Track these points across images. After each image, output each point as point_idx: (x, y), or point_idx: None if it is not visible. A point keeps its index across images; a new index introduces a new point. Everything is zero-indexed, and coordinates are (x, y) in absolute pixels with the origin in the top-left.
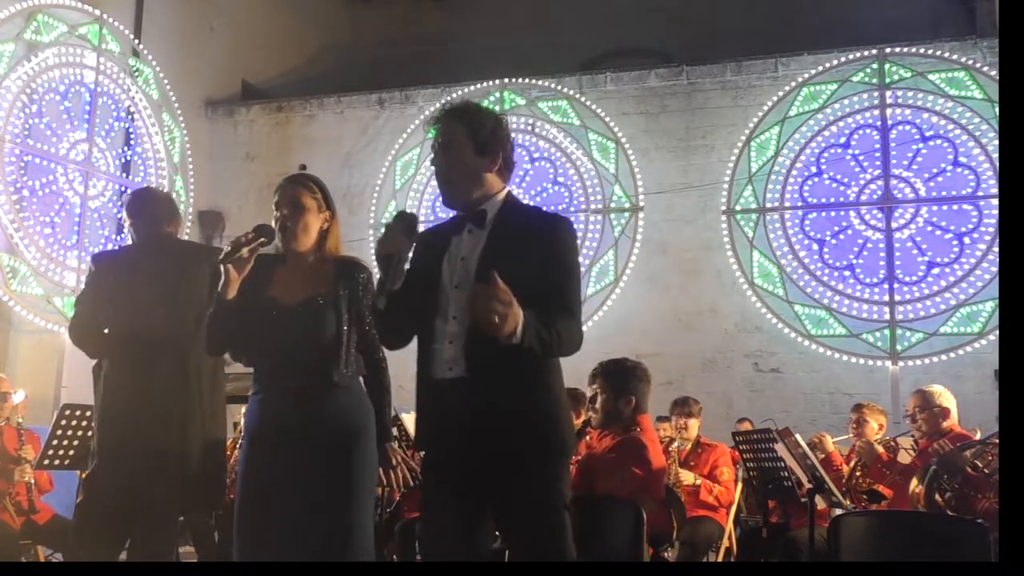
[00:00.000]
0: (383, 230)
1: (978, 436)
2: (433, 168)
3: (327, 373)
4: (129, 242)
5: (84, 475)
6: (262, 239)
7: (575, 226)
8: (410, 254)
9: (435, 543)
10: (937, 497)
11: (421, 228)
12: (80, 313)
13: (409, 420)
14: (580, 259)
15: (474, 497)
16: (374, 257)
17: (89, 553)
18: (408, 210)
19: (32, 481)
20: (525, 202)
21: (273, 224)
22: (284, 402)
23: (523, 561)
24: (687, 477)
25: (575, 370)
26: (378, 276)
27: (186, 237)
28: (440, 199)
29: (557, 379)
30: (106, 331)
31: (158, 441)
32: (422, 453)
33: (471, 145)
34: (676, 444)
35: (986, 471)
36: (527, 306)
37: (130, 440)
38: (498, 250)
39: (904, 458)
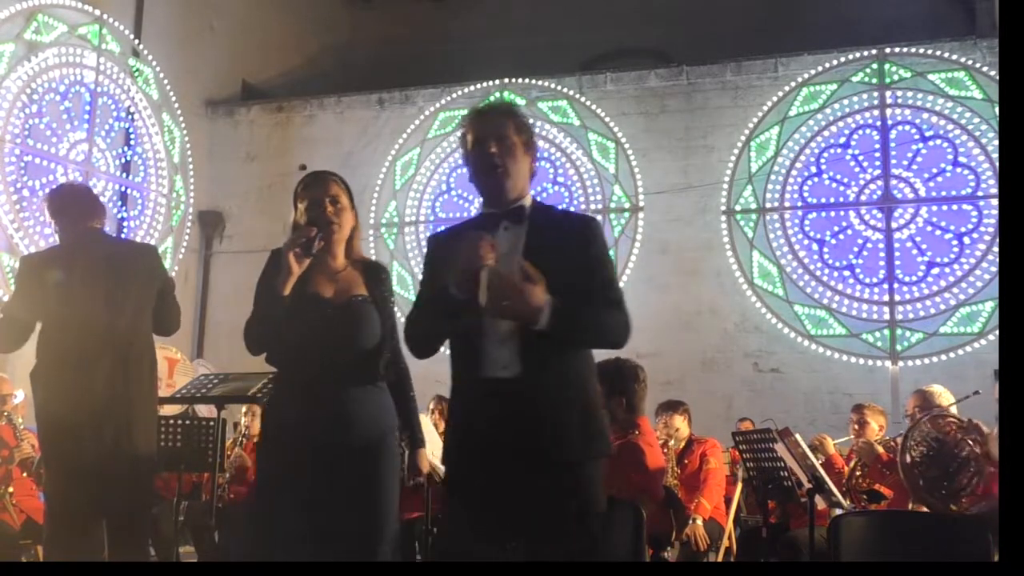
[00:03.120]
0: (466, 244)
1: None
2: (469, 164)
3: (369, 373)
4: (56, 241)
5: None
6: (321, 235)
7: None
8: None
9: (458, 542)
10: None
11: (415, 229)
12: (7, 312)
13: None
14: None
15: (510, 502)
16: (453, 275)
17: (63, 555)
18: (408, 211)
19: (36, 458)
20: None
21: (297, 219)
22: (320, 401)
23: (540, 562)
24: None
25: None
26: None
27: (186, 237)
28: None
29: (595, 378)
30: (38, 329)
31: (107, 442)
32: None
33: (520, 141)
34: (671, 443)
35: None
36: (571, 300)
37: (78, 442)
38: (539, 246)
39: None
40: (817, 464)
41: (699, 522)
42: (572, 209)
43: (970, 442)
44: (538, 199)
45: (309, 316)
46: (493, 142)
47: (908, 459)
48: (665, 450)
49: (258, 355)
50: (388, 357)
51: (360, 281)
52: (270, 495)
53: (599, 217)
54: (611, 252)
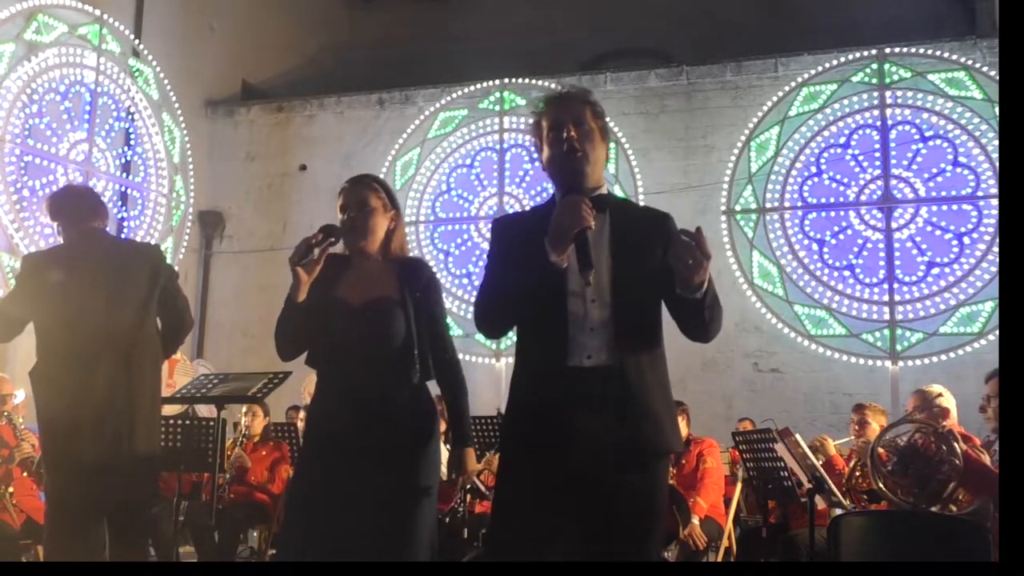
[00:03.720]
0: (566, 202)
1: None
2: (546, 150)
3: (398, 375)
4: (60, 242)
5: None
6: (331, 239)
7: None
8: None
9: (515, 542)
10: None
11: (415, 229)
12: (4, 309)
13: None
14: None
15: (576, 493)
16: (550, 234)
17: (63, 555)
18: (408, 211)
19: (36, 457)
20: (526, 204)
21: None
22: (353, 404)
23: (541, 562)
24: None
25: None
26: (573, 251)
27: (186, 237)
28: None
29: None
30: (32, 328)
31: (108, 441)
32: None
33: (598, 127)
34: None
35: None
36: (659, 287)
37: (79, 442)
38: (624, 234)
39: None
40: (817, 464)
41: (696, 521)
42: None
43: (944, 446)
44: (538, 199)
45: (331, 320)
46: (571, 126)
47: (880, 469)
48: None
49: (286, 360)
50: (421, 356)
51: (393, 281)
52: (303, 495)
53: None
54: None
